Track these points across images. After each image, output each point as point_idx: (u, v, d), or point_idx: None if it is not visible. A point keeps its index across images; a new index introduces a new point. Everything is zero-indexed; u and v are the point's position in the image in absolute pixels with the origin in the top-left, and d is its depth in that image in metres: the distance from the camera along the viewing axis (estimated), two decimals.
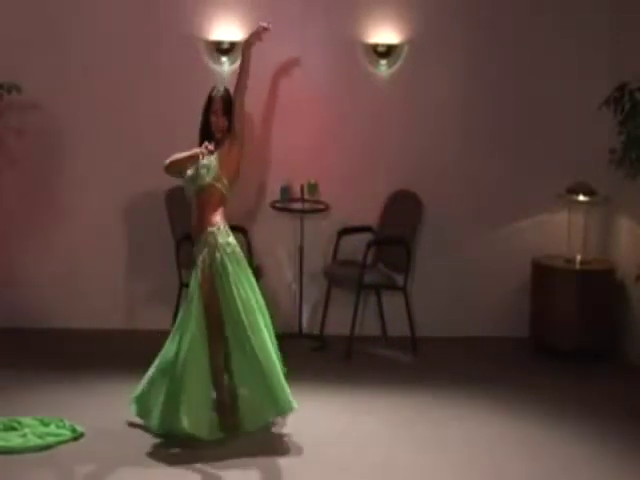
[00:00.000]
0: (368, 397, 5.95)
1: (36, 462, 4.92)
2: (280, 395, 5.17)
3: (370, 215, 7.15)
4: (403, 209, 7.03)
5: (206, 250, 5.30)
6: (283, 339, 5.65)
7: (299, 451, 5.13)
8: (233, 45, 6.98)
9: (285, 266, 7.27)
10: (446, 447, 5.25)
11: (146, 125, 7.10)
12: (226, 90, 5.55)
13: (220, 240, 5.30)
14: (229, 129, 5.50)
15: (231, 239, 5.35)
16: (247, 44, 5.70)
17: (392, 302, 7.11)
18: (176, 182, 6.79)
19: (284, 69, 7.06)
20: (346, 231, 7.14)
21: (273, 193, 7.09)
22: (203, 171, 5.39)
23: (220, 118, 5.48)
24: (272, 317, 5.44)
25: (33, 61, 7.01)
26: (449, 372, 6.51)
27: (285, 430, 5.35)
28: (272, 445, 5.20)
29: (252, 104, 7.02)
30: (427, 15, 7.12)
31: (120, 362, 6.42)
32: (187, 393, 5.13)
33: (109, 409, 5.60)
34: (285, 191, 7.07)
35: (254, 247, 6.94)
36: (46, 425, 5.25)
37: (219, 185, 5.40)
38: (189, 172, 5.45)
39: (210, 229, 5.33)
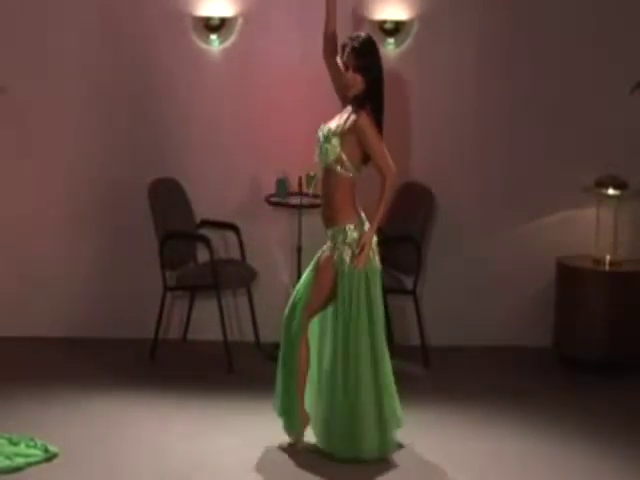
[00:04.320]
0: None
1: None
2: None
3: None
4: (412, 204, 6.98)
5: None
6: (279, 348, 5.57)
7: (301, 473, 5.08)
8: (223, 21, 6.92)
9: (281, 267, 7.21)
10: (460, 468, 5.19)
11: (127, 108, 7.06)
12: (363, 41, 5.22)
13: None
14: (369, 92, 5.19)
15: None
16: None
17: (400, 308, 7.08)
18: (160, 173, 6.88)
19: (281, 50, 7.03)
20: None
21: (268, 186, 7.03)
22: (327, 146, 5.24)
23: (348, 72, 5.24)
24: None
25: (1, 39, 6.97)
26: (464, 386, 6.48)
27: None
28: (275, 464, 5.18)
29: (246, 88, 7.04)
30: None
31: (98, 374, 6.40)
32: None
33: (86, 426, 5.53)
34: (282, 184, 6.98)
35: (247, 246, 6.92)
36: (15, 444, 5.19)
37: (340, 168, 5.24)
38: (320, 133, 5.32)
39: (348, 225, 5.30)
